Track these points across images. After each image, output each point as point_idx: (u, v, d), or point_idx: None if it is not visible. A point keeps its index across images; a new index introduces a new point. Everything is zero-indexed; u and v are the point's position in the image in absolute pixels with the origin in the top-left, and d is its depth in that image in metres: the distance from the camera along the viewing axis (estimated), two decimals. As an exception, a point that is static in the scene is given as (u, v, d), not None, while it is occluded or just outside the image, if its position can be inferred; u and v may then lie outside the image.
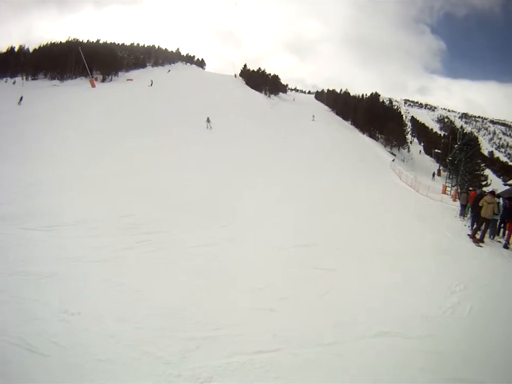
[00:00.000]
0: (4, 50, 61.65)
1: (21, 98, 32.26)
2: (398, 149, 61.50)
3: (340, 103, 70.30)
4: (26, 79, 57.11)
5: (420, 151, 70.06)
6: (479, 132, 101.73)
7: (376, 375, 3.54)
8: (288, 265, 6.30)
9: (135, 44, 78.37)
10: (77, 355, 3.53)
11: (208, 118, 30.47)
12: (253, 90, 66.65)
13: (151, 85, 51.29)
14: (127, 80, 57.45)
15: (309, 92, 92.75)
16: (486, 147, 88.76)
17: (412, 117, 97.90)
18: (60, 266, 5.40)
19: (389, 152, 54.23)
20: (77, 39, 66.28)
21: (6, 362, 3.35)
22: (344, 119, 65.67)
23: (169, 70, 67.85)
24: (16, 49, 62.71)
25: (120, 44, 74.81)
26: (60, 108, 30.95)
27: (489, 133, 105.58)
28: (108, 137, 22.05)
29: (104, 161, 15.73)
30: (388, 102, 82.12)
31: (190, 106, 38.95)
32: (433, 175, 45.71)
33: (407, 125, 78.58)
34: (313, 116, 51.50)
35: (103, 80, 58.30)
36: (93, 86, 47.24)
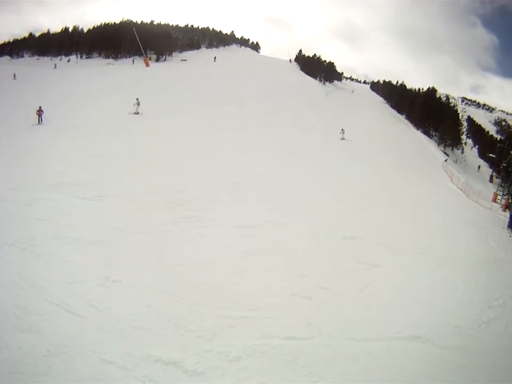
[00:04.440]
0: (59, 30, 64.14)
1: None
2: (452, 149, 58.01)
3: (396, 96, 67.22)
4: (81, 57, 59.45)
5: (472, 148, 66.10)
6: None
7: (402, 381, 3.43)
8: (330, 255, 6.23)
9: (189, 26, 78.75)
10: (112, 320, 3.73)
11: None
12: (308, 76, 65.29)
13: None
14: (181, 60, 58.23)
15: (364, 82, 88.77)
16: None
17: (469, 116, 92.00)
18: (107, 235, 5.71)
19: (442, 151, 51.53)
20: (131, 20, 67.27)
21: (43, 320, 3.60)
22: (399, 112, 62.96)
23: (215, 57, 60.89)
24: (70, 30, 65.17)
25: (175, 26, 75.38)
26: (114, 85, 32.06)
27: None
28: (162, 117, 22.54)
29: (159, 139, 15.88)
30: (445, 98, 77.47)
31: (247, 89, 38.79)
32: (479, 167, 43.56)
33: (463, 124, 73.95)
34: None
35: (157, 60, 59.58)
36: (147, 65, 48.23)
